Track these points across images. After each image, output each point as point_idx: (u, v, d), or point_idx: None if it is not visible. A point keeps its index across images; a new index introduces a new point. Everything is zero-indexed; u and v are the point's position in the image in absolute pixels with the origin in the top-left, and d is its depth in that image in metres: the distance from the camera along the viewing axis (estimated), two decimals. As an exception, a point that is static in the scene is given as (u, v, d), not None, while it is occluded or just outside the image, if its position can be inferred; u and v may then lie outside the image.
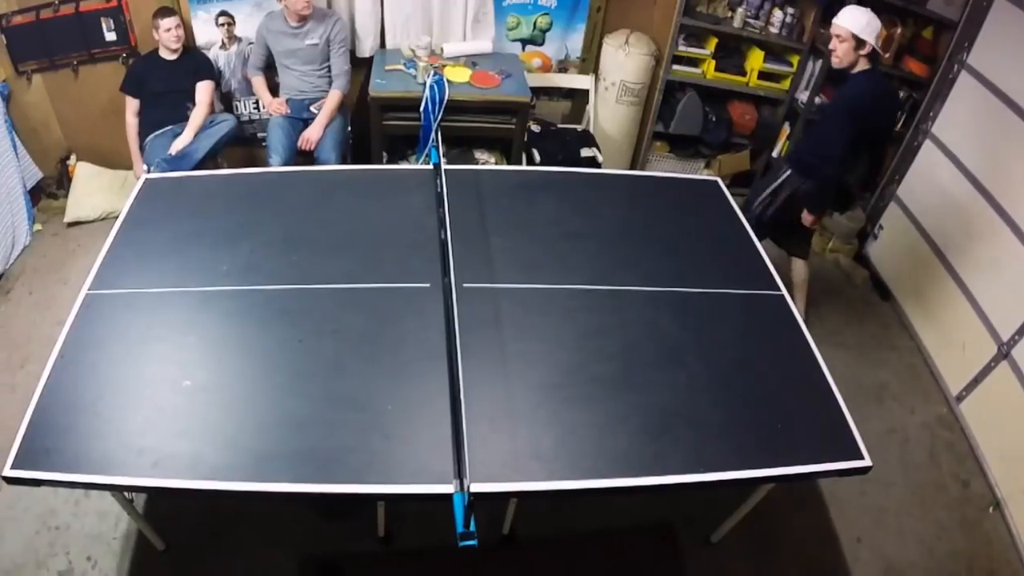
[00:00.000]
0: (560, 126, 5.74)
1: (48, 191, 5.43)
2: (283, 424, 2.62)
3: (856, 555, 3.69)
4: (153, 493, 3.21)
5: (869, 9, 3.70)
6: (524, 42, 5.51)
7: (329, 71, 4.96)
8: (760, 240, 4.07)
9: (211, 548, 3.38)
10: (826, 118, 3.97)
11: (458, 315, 2.79)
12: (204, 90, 4.90)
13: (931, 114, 4.81)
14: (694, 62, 5.43)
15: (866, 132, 3.78)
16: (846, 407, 2.93)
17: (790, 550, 3.65)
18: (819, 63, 5.18)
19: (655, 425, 2.74)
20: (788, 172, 4.25)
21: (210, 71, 4.99)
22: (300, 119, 4.96)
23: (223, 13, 4.99)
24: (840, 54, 3.73)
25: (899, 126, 5.30)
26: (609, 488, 2.55)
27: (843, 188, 4.11)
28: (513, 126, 5.03)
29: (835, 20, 3.73)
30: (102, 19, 4.85)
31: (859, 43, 3.66)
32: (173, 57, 4.81)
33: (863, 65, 3.75)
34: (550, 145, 5.36)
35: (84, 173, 5.33)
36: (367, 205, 3.72)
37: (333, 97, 4.91)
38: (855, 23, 3.64)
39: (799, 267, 4.53)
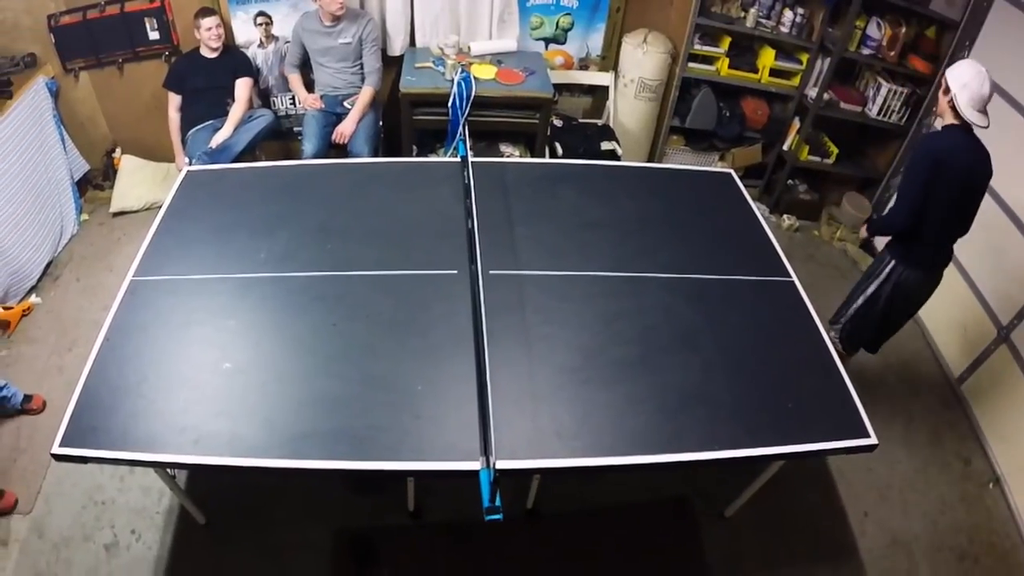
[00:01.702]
0: (581, 121, 5.72)
1: (94, 182, 5.44)
2: (318, 404, 2.61)
3: (863, 529, 3.68)
4: (194, 470, 3.24)
5: (983, 70, 3.30)
6: (547, 41, 5.46)
7: (362, 68, 4.93)
8: (854, 352, 3.97)
9: (249, 522, 3.39)
10: (903, 173, 3.57)
11: (484, 300, 2.78)
12: (243, 87, 4.89)
13: (934, 109, 4.74)
14: (709, 60, 5.38)
15: (943, 188, 3.35)
16: (853, 388, 2.91)
17: (800, 524, 3.64)
18: (827, 61, 5.11)
19: (671, 405, 2.72)
20: (892, 263, 3.68)
21: (249, 69, 4.97)
22: (334, 113, 4.94)
23: (261, 13, 4.97)
24: (940, 101, 3.37)
25: (903, 120, 5.24)
26: (628, 465, 2.53)
27: (919, 256, 3.64)
28: (537, 121, 4.99)
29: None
30: (146, 19, 4.85)
31: (947, 90, 3.30)
32: (213, 55, 4.80)
33: (951, 119, 3.36)
34: (572, 139, 5.33)
35: (129, 165, 5.34)
36: (398, 196, 3.70)
37: (365, 93, 4.88)
38: (952, 71, 3.30)
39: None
